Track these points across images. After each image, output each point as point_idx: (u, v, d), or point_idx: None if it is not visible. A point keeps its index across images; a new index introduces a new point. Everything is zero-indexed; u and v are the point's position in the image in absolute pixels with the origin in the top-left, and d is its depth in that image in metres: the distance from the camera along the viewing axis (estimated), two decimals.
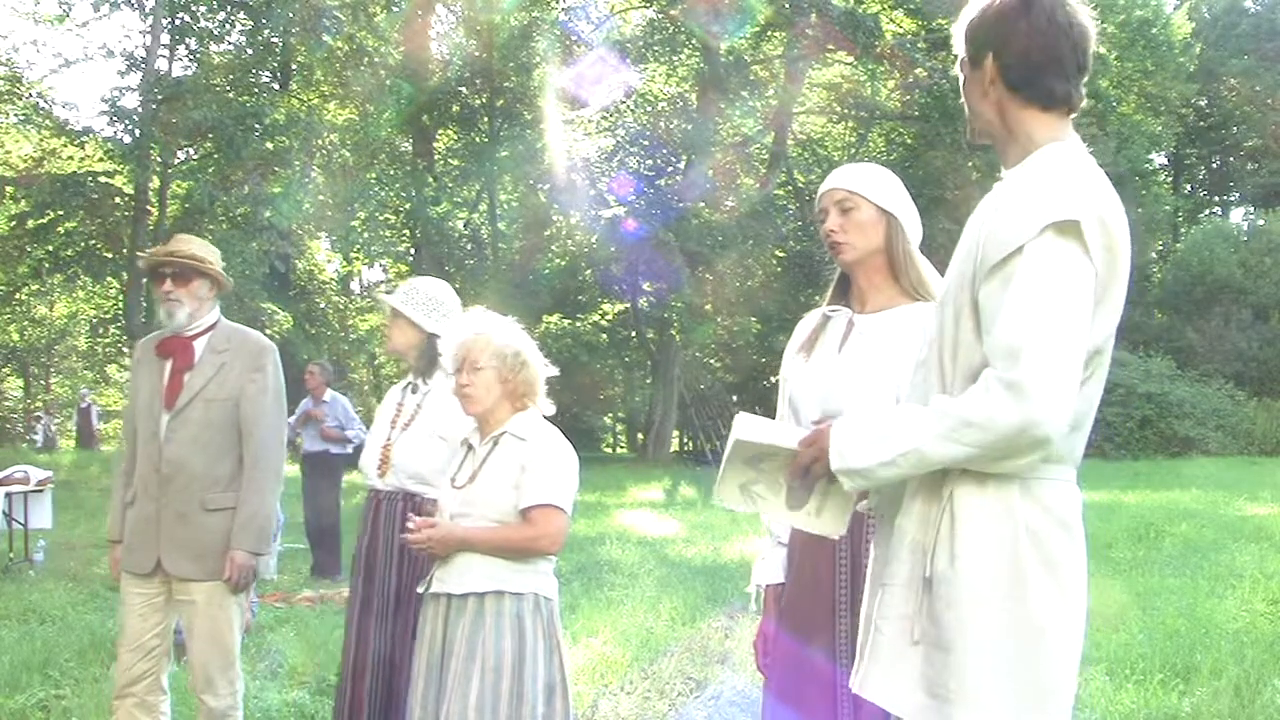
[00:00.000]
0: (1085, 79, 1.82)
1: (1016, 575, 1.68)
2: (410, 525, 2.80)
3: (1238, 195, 38.59)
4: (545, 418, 2.92)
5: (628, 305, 27.66)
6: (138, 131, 18.78)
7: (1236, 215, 38.16)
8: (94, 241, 20.31)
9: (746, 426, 1.90)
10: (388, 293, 3.53)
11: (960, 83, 1.91)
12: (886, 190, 2.43)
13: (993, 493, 1.70)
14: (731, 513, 12.77)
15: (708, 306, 25.97)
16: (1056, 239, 1.63)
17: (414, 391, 3.40)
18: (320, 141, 22.30)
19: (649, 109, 27.46)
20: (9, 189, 19.94)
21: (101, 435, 29.83)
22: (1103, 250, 1.67)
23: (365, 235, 24.53)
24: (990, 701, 1.66)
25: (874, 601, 1.85)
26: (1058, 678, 1.70)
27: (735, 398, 28.97)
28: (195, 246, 3.48)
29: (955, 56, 1.92)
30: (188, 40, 21.01)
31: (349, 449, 8.60)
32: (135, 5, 19.96)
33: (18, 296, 23.90)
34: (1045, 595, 1.69)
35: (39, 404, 28.27)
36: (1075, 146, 1.79)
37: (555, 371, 2.95)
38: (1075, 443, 1.77)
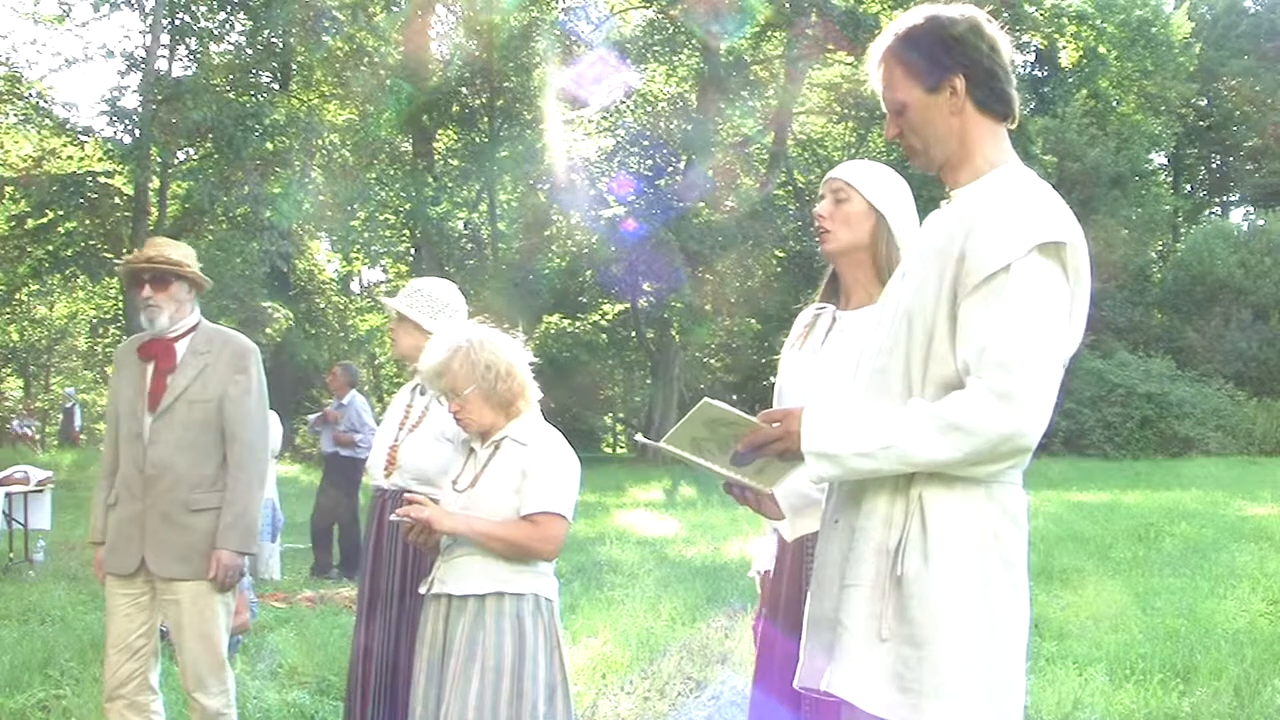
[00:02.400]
0: None
1: (983, 574, 1.78)
2: (397, 513, 2.77)
3: (1238, 195, 38.56)
4: (545, 419, 2.92)
5: (628, 305, 27.64)
6: (138, 131, 18.77)
7: (1236, 215, 38.14)
8: (93, 241, 20.30)
9: (714, 401, 1.98)
10: (389, 295, 3.47)
11: (904, 119, 1.92)
12: (882, 189, 2.44)
13: (960, 495, 1.79)
14: (731, 512, 12.69)
15: (708, 306, 25.96)
16: (1041, 259, 1.74)
17: (422, 393, 3.39)
18: (320, 141, 22.30)
19: (649, 109, 27.46)
20: (9, 189, 19.93)
21: (101, 435, 29.77)
22: (1073, 271, 1.78)
23: (365, 235, 24.54)
24: (961, 694, 1.74)
25: (824, 601, 1.92)
26: (1014, 670, 1.81)
27: (735, 397, 28.96)
28: (171, 250, 3.49)
29: (880, 94, 1.94)
30: (188, 40, 21.01)
31: (359, 453, 8.49)
32: (135, 5, 19.96)
33: (18, 296, 23.89)
34: (1004, 592, 1.79)
35: (17, 405, 28.30)
36: (1024, 168, 1.89)
37: (532, 357, 2.93)
38: None
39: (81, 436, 24.51)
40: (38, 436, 24.05)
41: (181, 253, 3.49)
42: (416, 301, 3.38)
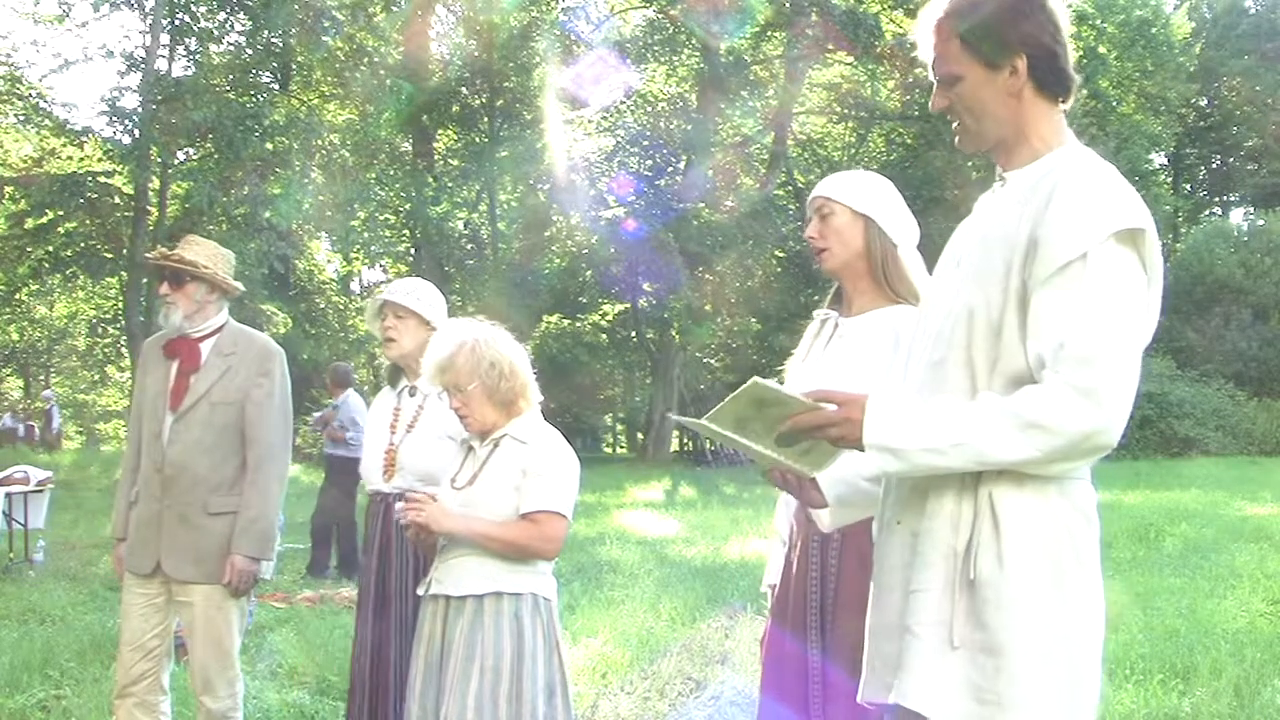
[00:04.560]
0: None
1: (1057, 575, 1.69)
2: (398, 508, 2.76)
3: (1238, 195, 38.61)
4: (545, 419, 2.91)
5: (628, 305, 27.66)
6: (137, 132, 18.78)
7: (1236, 215, 38.20)
8: (93, 241, 20.32)
9: (765, 381, 1.87)
10: (381, 293, 3.42)
11: (955, 93, 1.83)
12: (864, 194, 2.44)
13: (1032, 493, 1.70)
14: (732, 513, 12.67)
15: (708, 306, 25.98)
16: (1119, 246, 1.64)
17: (411, 394, 3.35)
18: (320, 142, 22.29)
19: (649, 109, 27.47)
20: (9, 189, 19.94)
21: (101, 434, 29.78)
22: (1150, 259, 1.69)
23: (365, 235, 24.55)
24: (1042, 704, 1.65)
25: (887, 610, 1.82)
26: (1092, 674, 1.72)
27: None
28: (193, 250, 3.44)
29: (929, 63, 1.86)
30: (187, 40, 21.02)
31: (355, 452, 8.48)
32: (135, 5, 19.98)
33: (18, 296, 23.90)
34: (1081, 593, 1.70)
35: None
36: (1085, 150, 1.79)
37: (530, 357, 2.92)
38: None
39: (81, 435, 24.54)
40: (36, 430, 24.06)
41: (205, 254, 3.44)
42: (422, 301, 3.33)
